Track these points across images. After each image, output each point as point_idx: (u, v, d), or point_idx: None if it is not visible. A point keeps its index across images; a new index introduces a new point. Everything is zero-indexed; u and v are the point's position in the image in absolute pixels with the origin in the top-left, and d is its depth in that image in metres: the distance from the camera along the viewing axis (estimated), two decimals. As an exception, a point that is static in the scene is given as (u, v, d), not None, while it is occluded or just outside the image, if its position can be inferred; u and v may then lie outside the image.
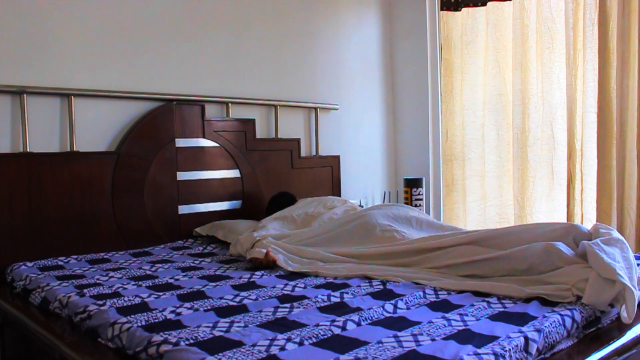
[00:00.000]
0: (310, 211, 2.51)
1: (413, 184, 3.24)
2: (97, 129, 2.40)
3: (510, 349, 1.10)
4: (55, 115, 2.29)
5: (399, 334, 1.24)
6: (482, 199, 3.36)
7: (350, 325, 1.30)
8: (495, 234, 1.85)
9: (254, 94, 2.93)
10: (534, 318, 1.31)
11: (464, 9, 3.34)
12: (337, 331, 1.27)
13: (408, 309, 1.46)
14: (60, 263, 2.08)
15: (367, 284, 1.73)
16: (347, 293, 1.63)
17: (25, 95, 2.18)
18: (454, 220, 3.43)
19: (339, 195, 3.28)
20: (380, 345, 1.17)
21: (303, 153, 3.15)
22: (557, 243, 1.62)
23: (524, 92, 3.12)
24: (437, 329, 1.26)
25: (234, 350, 1.15)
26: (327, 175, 3.23)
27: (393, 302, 1.49)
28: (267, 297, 1.59)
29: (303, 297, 1.58)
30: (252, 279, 1.82)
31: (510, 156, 3.24)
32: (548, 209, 3.08)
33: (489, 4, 3.25)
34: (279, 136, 3.01)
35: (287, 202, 2.67)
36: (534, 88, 3.10)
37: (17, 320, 1.71)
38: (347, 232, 2.22)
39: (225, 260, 2.17)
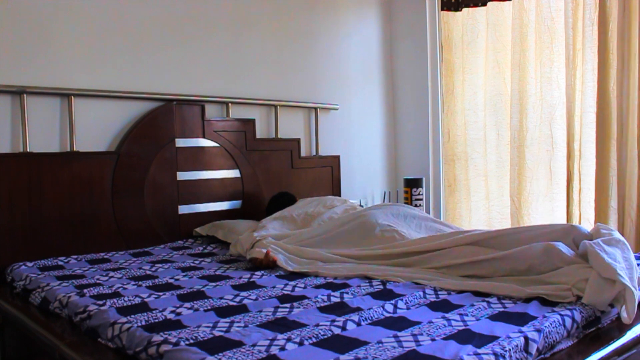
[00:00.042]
0: (310, 211, 2.51)
1: (413, 184, 3.24)
2: (97, 129, 2.40)
3: (510, 349, 1.10)
4: (55, 115, 2.29)
5: (399, 334, 1.24)
6: (486, 198, 3.37)
7: (350, 325, 1.30)
8: (495, 234, 1.85)
9: (254, 94, 2.93)
10: (534, 318, 1.31)
11: (464, 9, 3.34)
12: (337, 331, 1.27)
13: (408, 309, 1.46)
14: (60, 263, 2.08)
15: (367, 284, 1.73)
16: (347, 293, 1.63)
17: (25, 95, 2.18)
18: (457, 220, 3.44)
19: (339, 195, 3.28)
20: (380, 345, 1.17)
21: (303, 153, 3.15)
22: (557, 243, 1.62)
23: (522, 92, 3.12)
24: (437, 329, 1.26)
25: (234, 350, 1.15)
26: (327, 175, 3.23)
27: (393, 302, 1.49)
28: (267, 297, 1.59)
29: (303, 297, 1.58)
30: (252, 279, 1.82)
31: (509, 156, 3.24)
32: (546, 209, 3.08)
33: (489, 4, 3.25)
34: (279, 136, 3.01)
35: (287, 202, 2.67)
36: (533, 88, 3.10)
37: (17, 320, 1.71)
38: (347, 232, 2.22)
39: (225, 260, 2.17)
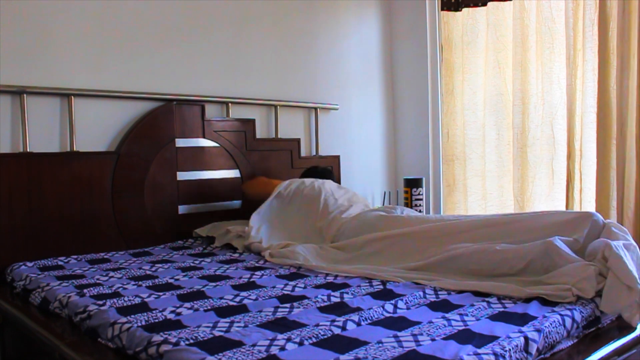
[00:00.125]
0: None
1: (413, 184, 3.24)
2: (97, 129, 2.40)
3: (510, 349, 1.10)
4: (55, 115, 2.29)
5: (399, 334, 1.24)
6: (482, 198, 3.37)
7: (350, 325, 1.30)
8: (505, 219, 1.86)
9: (254, 94, 2.93)
10: (534, 318, 1.31)
11: (464, 9, 3.34)
12: (337, 331, 1.27)
13: (408, 309, 1.46)
14: (60, 263, 2.08)
15: (367, 284, 1.73)
16: (347, 293, 1.63)
17: (25, 95, 2.18)
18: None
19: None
20: (380, 345, 1.17)
21: (303, 153, 3.15)
22: (557, 241, 1.62)
23: (523, 92, 3.12)
24: (437, 329, 1.26)
25: (234, 350, 1.15)
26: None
27: (393, 302, 1.49)
28: (267, 297, 1.59)
29: (303, 297, 1.58)
30: (252, 279, 1.82)
31: (510, 156, 3.24)
32: (548, 209, 3.08)
33: (489, 4, 3.25)
34: (279, 136, 3.01)
35: (322, 175, 2.71)
36: (534, 88, 3.11)
37: (17, 320, 1.71)
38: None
39: (225, 260, 2.17)
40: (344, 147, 3.40)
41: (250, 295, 1.62)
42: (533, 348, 1.14)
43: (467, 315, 1.37)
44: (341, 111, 3.37)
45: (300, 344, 1.18)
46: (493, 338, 1.18)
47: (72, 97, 2.30)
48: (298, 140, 3.09)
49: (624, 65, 2.76)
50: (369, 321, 1.35)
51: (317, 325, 1.30)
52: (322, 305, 1.50)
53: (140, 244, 2.41)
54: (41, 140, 2.24)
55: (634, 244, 1.59)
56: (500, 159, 3.30)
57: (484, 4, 3.27)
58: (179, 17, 2.65)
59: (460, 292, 1.60)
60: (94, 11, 2.38)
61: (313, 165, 2.92)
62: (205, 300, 1.56)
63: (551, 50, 3.03)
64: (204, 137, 2.68)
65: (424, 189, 3.27)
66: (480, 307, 1.44)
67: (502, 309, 1.42)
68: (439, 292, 1.60)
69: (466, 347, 1.13)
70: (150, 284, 1.76)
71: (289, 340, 1.20)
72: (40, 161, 2.19)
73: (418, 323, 1.32)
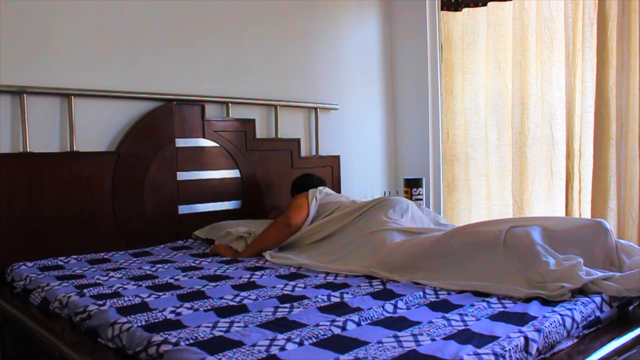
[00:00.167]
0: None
1: (413, 184, 3.24)
2: (97, 129, 2.40)
3: (510, 349, 1.10)
4: (55, 115, 2.29)
5: (399, 334, 1.24)
6: (486, 198, 3.37)
7: (350, 325, 1.30)
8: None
9: (254, 94, 2.93)
10: (534, 318, 1.31)
11: (465, 9, 3.34)
12: (337, 331, 1.27)
13: (408, 309, 1.46)
14: (60, 263, 2.08)
15: (367, 284, 1.73)
16: (347, 293, 1.63)
17: (25, 95, 2.18)
18: (456, 219, 3.43)
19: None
20: (380, 345, 1.17)
21: (303, 153, 3.15)
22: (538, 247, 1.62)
23: (523, 92, 3.12)
24: (437, 329, 1.26)
25: (234, 350, 1.15)
26: (327, 175, 3.22)
27: (393, 302, 1.49)
28: (267, 297, 1.59)
29: (303, 297, 1.58)
30: (252, 279, 1.82)
31: (510, 156, 3.24)
32: (547, 209, 3.08)
33: (489, 4, 3.25)
34: (279, 136, 3.01)
35: (317, 184, 2.64)
36: (534, 88, 3.11)
37: (17, 320, 1.71)
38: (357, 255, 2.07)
39: (225, 261, 2.17)
40: (344, 147, 3.40)
41: (250, 295, 1.62)
42: (533, 348, 1.14)
43: (467, 315, 1.37)
44: (341, 111, 3.37)
45: (300, 344, 1.18)
46: (493, 338, 1.18)
47: (72, 97, 2.30)
48: (298, 140, 3.09)
49: (623, 65, 2.76)
50: (369, 321, 1.35)
51: (317, 325, 1.30)
52: (322, 305, 1.50)
53: (140, 244, 2.41)
54: (41, 140, 2.24)
55: None
56: (501, 159, 3.30)
57: (484, 4, 3.27)
58: (179, 18, 2.65)
59: (460, 292, 1.61)
60: (94, 11, 2.38)
61: (307, 174, 2.78)
62: (205, 300, 1.56)
63: (551, 50, 3.03)
64: (204, 137, 2.68)
65: (424, 189, 3.27)
66: (480, 307, 1.44)
67: (502, 309, 1.42)
68: (439, 292, 1.60)
69: (466, 347, 1.13)
70: (150, 284, 1.76)
71: (289, 340, 1.20)
72: (40, 161, 2.19)
73: (418, 323, 1.32)
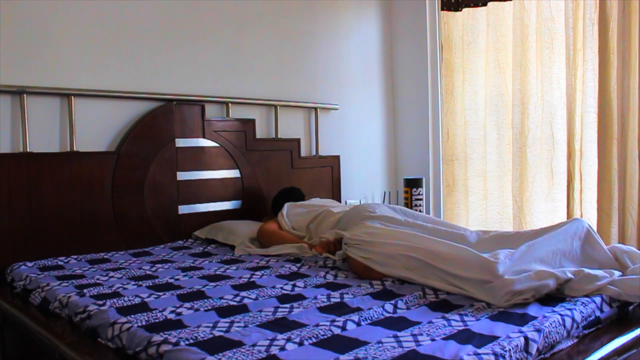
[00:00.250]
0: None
1: (413, 184, 3.24)
2: (97, 129, 2.40)
3: (510, 349, 1.10)
4: (55, 115, 2.29)
5: (398, 334, 1.24)
6: (483, 198, 3.37)
7: (350, 325, 1.30)
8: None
9: (254, 94, 2.93)
10: (534, 318, 1.31)
11: (465, 9, 3.34)
12: (337, 331, 1.27)
13: (408, 309, 1.46)
14: (60, 263, 2.08)
15: (367, 284, 1.73)
16: (347, 293, 1.63)
17: (25, 95, 2.18)
18: (455, 220, 3.43)
19: (339, 195, 3.28)
20: (380, 345, 1.17)
21: (303, 153, 3.15)
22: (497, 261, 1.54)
23: (523, 92, 3.12)
24: (437, 329, 1.26)
25: (234, 350, 1.15)
26: (327, 175, 3.23)
27: (393, 302, 1.49)
28: (267, 297, 1.59)
29: (303, 297, 1.58)
30: (252, 279, 1.82)
31: (510, 156, 3.24)
32: (547, 209, 3.08)
33: (489, 4, 3.25)
34: (279, 136, 3.01)
35: (297, 198, 2.66)
36: (534, 88, 3.11)
37: (17, 320, 1.71)
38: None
39: (225, 261, 2.17)
40: (344, 147, 3.40)
41: (250, 295, 1.62)
42: (533, 348, 1.14)
43: (467, 315, 1.37)
44: (341, 111, 3.37)
45: (300, 344, 1.18)
46: (493, 338, 1.19)
47: (72, 97, 2.30)
48: (298, 140, 3.09)
49: (624, 65, 2.77)
50: (368, 321, 1.35)
51: (317, 325, 1.30)
52: (322, 305, 1.50)
53: (140, 244, 2.41)
54: (41, 140, 2.24)
55: None
56: (501, 159, 3.30)
57: (484, 4, 3.27)
58: (179, 18, 2.65)
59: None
60: (94, 11, 2.38)
61: (290, 187, 2.79)
62: (206, 300, 1.56)
63: (551, 50, 3.03)
64: (204, 137, 2.68)
65: (423, 189, 3.27)
66: (480, 307, 1.44)
67: (502, 309, 1.42)
68: (439, 292, 1.60)
69: (466, 347, 1.13)
70: (151, 284, 1.76)
71: (289, 340, 1.20)
72: (40, 161, 2.19)
73: (418, 323, 1.32)
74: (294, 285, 1.73)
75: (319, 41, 3.26)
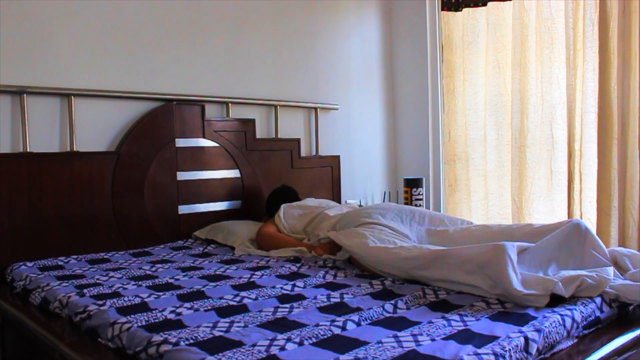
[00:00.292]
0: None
1: (413, 184, 3.24)
2: (97, 129, 2.40)
3: (510, 349, 1.10)
4: (55, 115, 2.29)
5: (398, 334, 1.24)
6: (484, 198, 3.37)
7: (350, 325, 1.30)
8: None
9: (254, 94, 2.93)
10: (534, 318, 1.31)
11: (465, 9, 3.34)
12: (337, 331, 1.27)
13: (408, 309, 1.46)
14: (60, 263, 2.08)
15: (367, 284, 1.73)
16: (347, 293, 1.63)
17: (25, 95, 2.18)
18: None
19: (339, 195, 3.28)
20: (380, 345, 1.17)
21: (303, 153, 3.15)
22: (507, 244, 1.55)
23: (522, 92, 3.12)
24: (437, 329, 1.26)
25: (234, 350, 1.15)
26: (327, 175, 3.23)
27: (393, 302, 1.49)
28: (267, 297, 1.59)
29: (303, 297, 1.58)
30: (252, 279, 1.82)
31: (510, 156, 3.24)
32: (547, 209, 3.08)
33: (489, 4, 3.25)
34: (279, 136, 3.01)
35: (292, 198, 2.65)
36: (533, 88, 3.11)
37: (17, 320, 1.71)
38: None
39: (225, 261, 2.17)
40: (344, 147, 3.40)
41: (250, 295, 1.62)
42: (533, 348, 1.14)
43: (466, 315, 1.37)
44: (341, 111, 3.37)
45: (300, 344, 1.18)
46: (493, 338, 1.18)
47: (72, 97, 2.30)
48: (298, 140, 3.09)
49: (624, 65, 2.77)
50: (368, 321, 1.35)
51: (317, 325, 1.30)
52: (322, 305, 1.50)
53: (140, 244, 2.41)
54: (41, 140, 2.24)
55: None
56: (501, 159, 3.30)
57: (484, 4, 3.27)
58: (179, 18, 2.65)
59: (460, 292, 1.60)
60: (94, 11, 2.38)
61: (282, 187, 2.75)
62: (205, 300, 1.56)
63: (551, 50, 3.03)
64: (204, 137, 2.68)
65: (424, 189, 3.27)
66: (479, 307, 1.44)
67: (502, 309, 1.42)
68: (439, 292, 1.60)
69: (466, 347, 1.13)
70: (150, 284, 1.76)
71: (289, 340, 1.20)
72: (40, 161, 2.19)
73: (418, 323, 1.32)
74: (293, 285, 1.73)
75: (319, 41, 3.26)
